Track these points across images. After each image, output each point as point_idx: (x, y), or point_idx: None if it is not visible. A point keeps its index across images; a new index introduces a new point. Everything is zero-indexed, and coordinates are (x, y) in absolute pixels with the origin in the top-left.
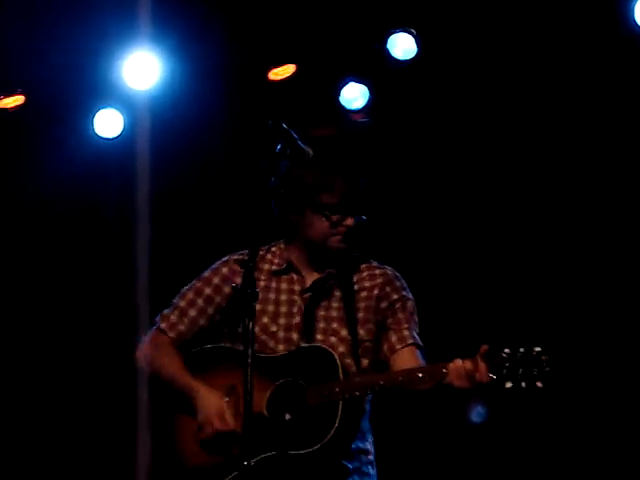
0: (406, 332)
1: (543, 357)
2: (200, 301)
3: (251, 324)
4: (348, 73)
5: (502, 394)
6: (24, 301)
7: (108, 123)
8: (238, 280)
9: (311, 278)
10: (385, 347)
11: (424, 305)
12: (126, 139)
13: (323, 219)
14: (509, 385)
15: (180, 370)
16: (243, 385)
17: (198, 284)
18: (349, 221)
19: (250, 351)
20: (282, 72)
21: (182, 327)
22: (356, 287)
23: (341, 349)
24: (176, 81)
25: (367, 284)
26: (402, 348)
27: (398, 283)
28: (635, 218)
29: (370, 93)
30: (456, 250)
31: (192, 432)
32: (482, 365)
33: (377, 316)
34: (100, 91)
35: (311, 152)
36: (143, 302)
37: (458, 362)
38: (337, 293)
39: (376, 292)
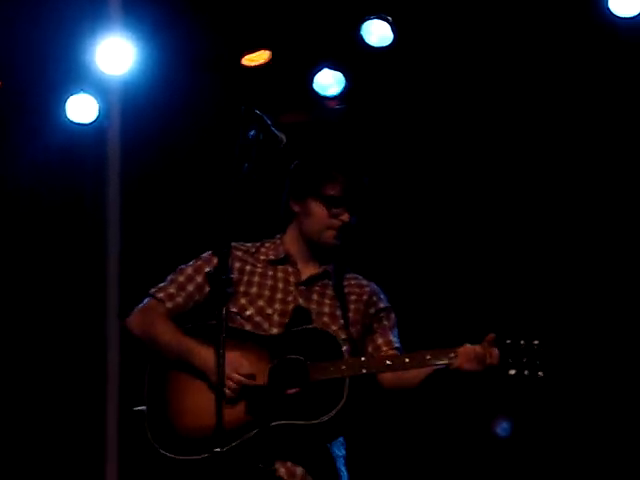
0: (392, 337)
1: (544, 349)
2: (199, 278)
3: (224, 310)
4: (323, 60)
5: (505, 381)
6: None
7: (81, 109)
8: (237, 264)
9: (306, 272)
10: (370, 348)
11: (415, 303)
12: (100, 125)
13: (323, 207)
14: (513, 372)
15: (180, 336)
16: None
17: (198, 262)
18: (345, 216)
19: (223, 336)
20: (256, 58)
21: (179, 299)
22: (346, 290)
23: (340, 340)
24: (150, 67)
25: (356, 290)
26: (387, 351)
27: (383, 296)
28: (626, 206)
29: (345, 80)
30: (445, 241)
31: (194, 396)
32: (493, 349)
33: (365, 319)
34: (74, 77)
35: (285, 138)
36: (114, 286)
37: (468, 346)
38: (329, 291)
39: (365, 297)
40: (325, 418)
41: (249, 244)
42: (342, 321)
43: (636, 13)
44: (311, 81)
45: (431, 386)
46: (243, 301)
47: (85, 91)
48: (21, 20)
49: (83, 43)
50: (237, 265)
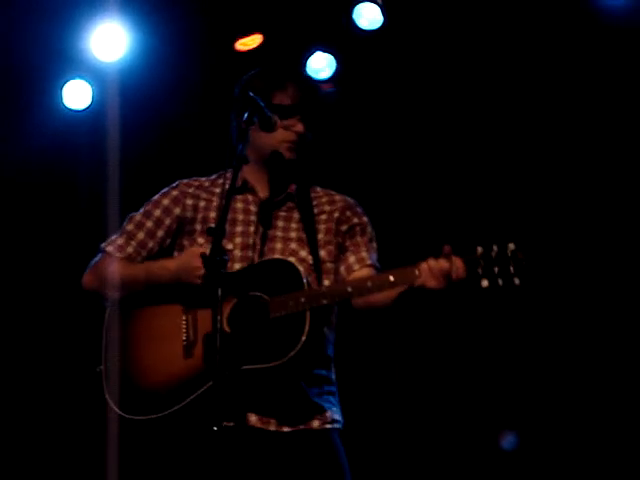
0: (364, 254)
1: (519, 254)
2: (149, 223)
3: (220, 290)
4: (315, 43)
5: (478, 294)
6: None
7: (77, 95)
8: (188, 202)
9: (268, 199)
10: (342, 268)
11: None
12: (95, 111)
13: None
14: (485, 284)
15: (137, 264)
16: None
17: (147, 207)
18: (299, 127)
19: (219, 317)
20: (249, 42)
21: (130, 249)
22: (315, 210)
23: (301, 270)
24: (144, 52)
25: (327, 208)
26: (360, 268)
27: (359, 209)
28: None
29: (337, 63)
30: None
31: (154, 344)
32: (458, 261)
33: (337, 238)
34: (68, 63)
35: (278, 120)
36: None
37: (431, 261)
38: (296, 215)
39: (337, 215)
40: (285, 358)
41: (203, 178)
42: (311, 245)
43: None
44: (304, 64)
45: (406, 303)
46: (201, 240)
47: (80, 77)
48: (16, 5)
49: (78, 29)
50: (189, 203)
